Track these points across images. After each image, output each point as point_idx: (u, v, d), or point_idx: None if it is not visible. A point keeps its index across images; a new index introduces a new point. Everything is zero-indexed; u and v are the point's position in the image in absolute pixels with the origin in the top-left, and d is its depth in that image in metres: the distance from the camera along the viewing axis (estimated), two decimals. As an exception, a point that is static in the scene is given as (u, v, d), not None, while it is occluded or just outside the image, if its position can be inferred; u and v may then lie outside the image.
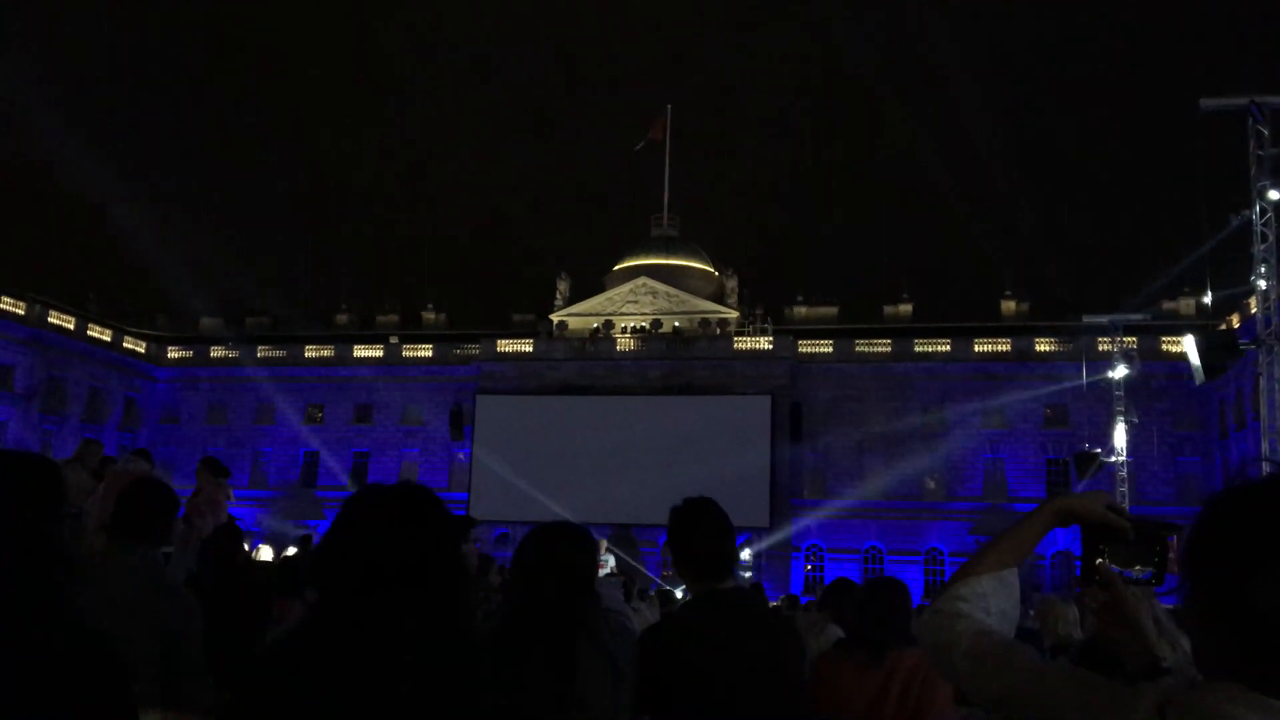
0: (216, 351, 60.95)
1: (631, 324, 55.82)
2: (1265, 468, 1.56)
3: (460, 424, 54.40)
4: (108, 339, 57.65)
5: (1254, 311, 21.29)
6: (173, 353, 61.51)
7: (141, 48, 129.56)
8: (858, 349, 54.04)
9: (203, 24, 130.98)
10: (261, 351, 59.91)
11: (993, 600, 1.96)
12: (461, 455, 54.84)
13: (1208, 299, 28.78)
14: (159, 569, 4.13)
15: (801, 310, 61.09)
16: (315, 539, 22.85)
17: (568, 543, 3.47)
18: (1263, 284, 19.48)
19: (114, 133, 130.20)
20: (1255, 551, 1.44)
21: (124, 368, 58.46)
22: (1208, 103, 19.53)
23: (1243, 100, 19.14)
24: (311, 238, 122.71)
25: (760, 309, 55.73)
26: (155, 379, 60.28)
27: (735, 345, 53.99)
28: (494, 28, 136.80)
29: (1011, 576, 2.01)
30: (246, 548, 12.21)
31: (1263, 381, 19.74)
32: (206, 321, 67.30)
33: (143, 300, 64.32)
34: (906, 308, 59.80)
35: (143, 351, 60.21)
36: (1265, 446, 19.33)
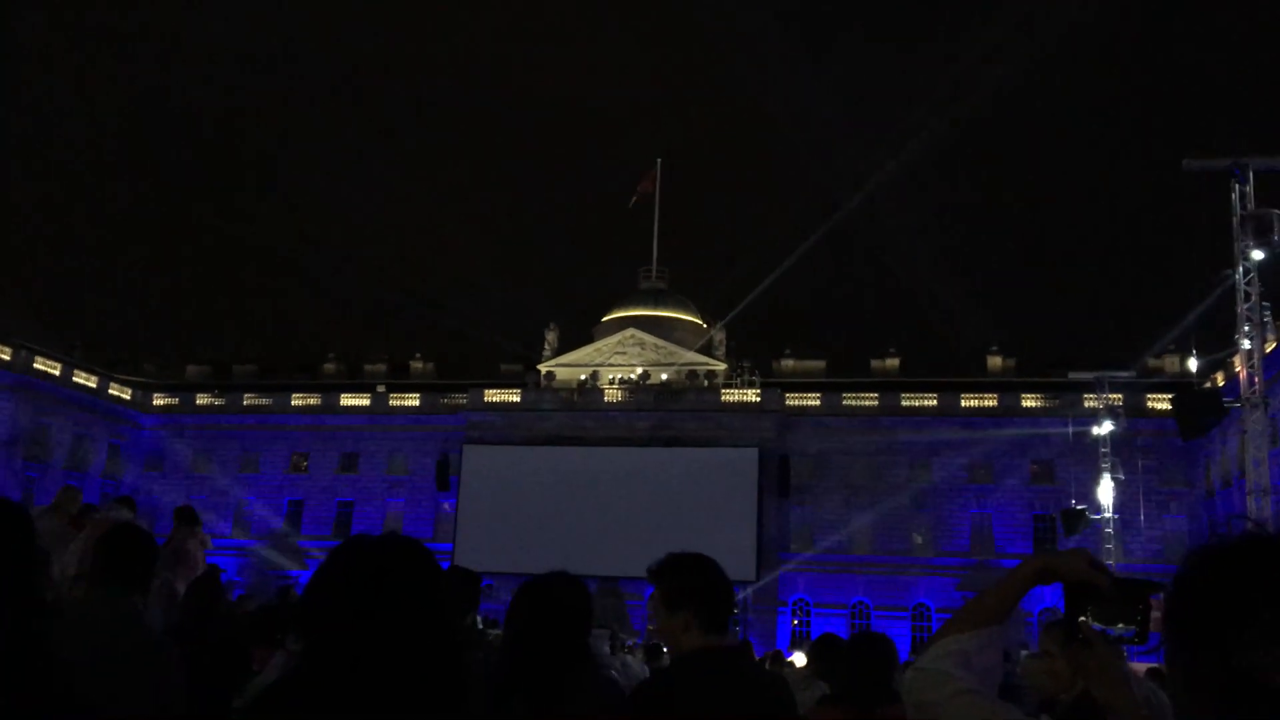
0: (202, 399, 60.72)
1: (620, 375, 55.80)
2: (1248, 525, 1.57)
3: (446, 474, 54.14)
4: (93, 385, 57.34)
5: (1238, 370, 21.37)
6: (158, 400, 61.21)
7: (150, 87, 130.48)
8: (845, 403, 54.07)
9: (213, 79, 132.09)
10: (248, 399, 59.80)
11: (975, 658, 1.96)
12: (447, 505, 54.52)
13: (1193, 356, 28.92)
14: (138, 616, 4.09)
15: (789, 363, 61.19)
16: (297, 589, 22.63)
17: (561, 589, 3.53)
18: (1246, 343, 19.57)
19: (104, 183, 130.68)
20: (1233, 611, 1.45)
21: (109, 415, 58.09)
22: (1191, 163, 19.69)
23: (1225, 161, 19.29)
24: (300, 287, 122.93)
25: (748, 361, 55.76)
26: (140, 426, 59.91)
27: (723, 397, 54.02)
28: (488, 77, 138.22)
29: (995, 634, 2.01)
30: (230, 597, 12.07)
31: (1247, 440, 19.76)
32: (193, 369, 67.14)
33: (129, 347, 64.10)
34: (894, 362, 59.92)
35: (128, 398, 59.88)
36: (1250, 505, 19.34)
